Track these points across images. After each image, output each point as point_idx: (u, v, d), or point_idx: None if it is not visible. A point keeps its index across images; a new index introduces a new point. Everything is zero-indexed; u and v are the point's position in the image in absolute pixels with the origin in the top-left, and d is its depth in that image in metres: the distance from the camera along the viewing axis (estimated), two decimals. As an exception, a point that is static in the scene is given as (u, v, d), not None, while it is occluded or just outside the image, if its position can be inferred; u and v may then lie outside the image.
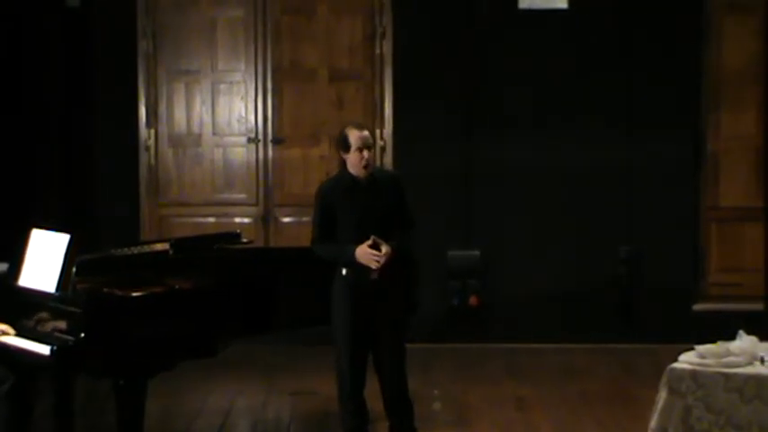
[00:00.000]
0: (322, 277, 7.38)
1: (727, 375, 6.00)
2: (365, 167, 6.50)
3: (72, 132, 9.86)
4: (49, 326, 6.32)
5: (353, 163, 6.52)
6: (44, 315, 6.35)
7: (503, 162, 9.94)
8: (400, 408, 6.66)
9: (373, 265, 6.41)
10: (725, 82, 10.06)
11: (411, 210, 6.65)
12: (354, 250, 6.43)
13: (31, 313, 6.41)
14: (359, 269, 6.46)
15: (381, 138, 10.08)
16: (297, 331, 7.78)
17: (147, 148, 10.17)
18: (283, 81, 10.15)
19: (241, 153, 10.18)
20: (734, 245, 10.11)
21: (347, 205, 6.50)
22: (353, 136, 6.49)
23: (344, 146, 6.52)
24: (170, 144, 10.20)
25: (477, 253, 9.84)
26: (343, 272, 6.52)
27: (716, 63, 10.05)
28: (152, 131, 10.17)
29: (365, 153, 6.48)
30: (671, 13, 9.89)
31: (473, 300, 9.72)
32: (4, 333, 6.35)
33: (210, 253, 7.39)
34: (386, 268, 6.41)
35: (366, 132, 6.53)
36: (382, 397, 6.68)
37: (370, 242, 6.39)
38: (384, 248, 6.38)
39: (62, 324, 6.24)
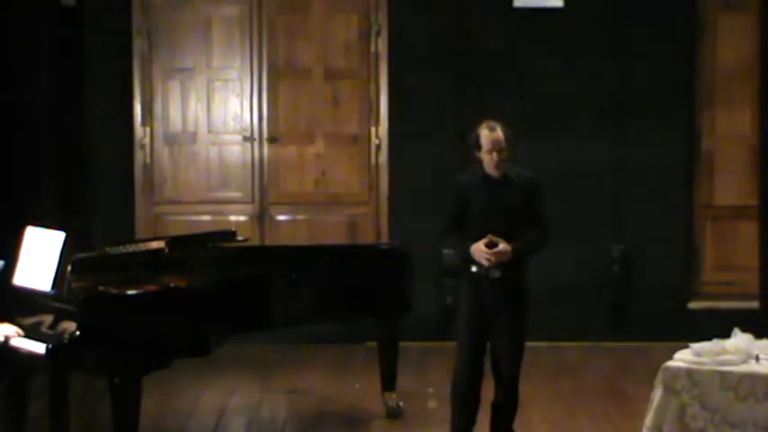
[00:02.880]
0: (317, 276, 7.42)
1: (722, 373, 6.01)
2: (497, 168, 6.53)
3: (67, 131, 9.85)
4: (44, 324, 6.32)
5: (485, 162, 6.56)
6: (39, 313, 6.35)
7: (498, 160, 9.93)
8: (503, 408, 6.70)
9: (484, 263, 6.46)
10: (719, 80, 10.07)
11: (542, 213, 6.67)
12: (470, 246, 6.47)
13: (26, 312, 6.41)
14: (483, 267, 6.48)
15: (377, 136, 10.09)
16: (292, 330, 7.80)
17: (143, 147, 10.16)
18: (278, 79, 10.15)
19: (236, 151, 10.18)
20: (729, 243, 10.12)
21: (476, 201, 6.55)
22: (485, 137, 6.52)
23: (477, 145, 6.56)
24: (165, 142, 10.19)
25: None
26: (473, 269, 6.54)
27: (710, 61, 10.05)
28: (147, 129, 10.16)
29: (494, 155, 6.50)
30: (665, 12, 9.90)
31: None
32: (8, 336, 6.33)
33: (206, 251, 7.40)
34: (507, 269, 6.46)
35: (497, 134, 6.52)
36: (494, 394, 6.71)
37: (486, 240, 6.44)
38: (501, 245, 6.41)
39: (57, 323, 6.24)
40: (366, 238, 10.04)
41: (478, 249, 6.46)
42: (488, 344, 6.69)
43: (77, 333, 6.07)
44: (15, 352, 6.29)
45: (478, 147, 6.56)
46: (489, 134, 6.52)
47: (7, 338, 6.28)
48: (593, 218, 9.99)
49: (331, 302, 7.45)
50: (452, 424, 6.76)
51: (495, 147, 6.51)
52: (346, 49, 10.11)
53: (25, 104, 9.56)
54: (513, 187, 6.58)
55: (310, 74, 10.13)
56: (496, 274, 6.50)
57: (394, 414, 7.79)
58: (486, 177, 6.58)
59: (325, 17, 10.09)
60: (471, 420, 6.73)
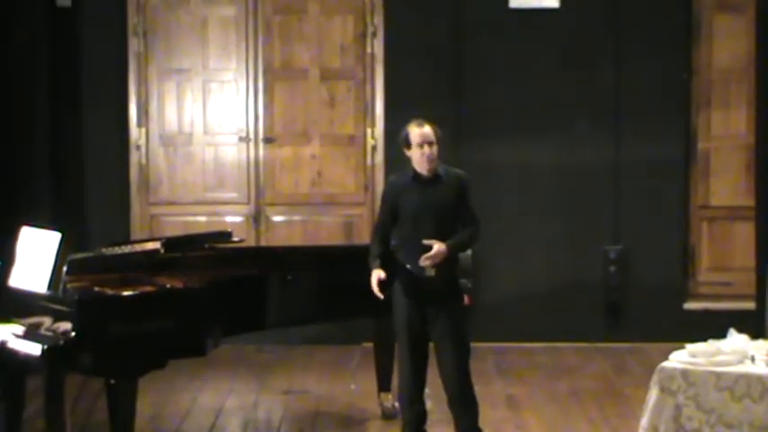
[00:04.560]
0: (313, 276, 7.41)
1: (717, 374, 6.01)
2: (428, 163, 6.55)
3: (62, 131, 9.85)
4: (40, 325, 6.31)
5: (416, 160, 6.60)
6: (35, 314, 6.34)
7: (493, 161, 9.94)
8: (462, 407, 6.66)
9: (375, 292, 6.57)
10: (715, 81, 10.08)
11: (473, 210, 6.67)
12: (373, 269, 6.59)
13: (21, 313, 6.40)
14: (415, 267, 6.53)
15: (372, 137, 10.09)
16: (288, 330, 7.79)
17: (138, 147, 10.15)
18: (274, 80, 10.14)
19: (232, 152, 10.17)
20: (724, 243, 10.13)
21: (406, 201, 6.59)
22: (413, 133, 6.58)
23: (406, 143, 6.62)
24: (161, 143, 10.19)
25: (468, 252, 9.82)
26: (407, 267, 6.58)
27: (706, 62, 10.06)
28: (143, 130, 10.16)
29: (425, 149, 6.54)
30: (661, 12, 9.91)
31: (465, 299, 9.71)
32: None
33: (201, 252, 7.39)
34: (441, 267, 6.49)
35: (426, 128, 6.58)
36: (445, 396, 6.71)
37: (382, 277, 6.54)
38: (435, 246, 6.42)
39: (53, 323, 6.23)
40: (362, 238, 10.03)
41: (372, 284, 6.58)
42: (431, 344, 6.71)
43: (73, 334, 6.06)
44: (11, 353, 6.28)
45: (408, 145, 6.61)
46: (418, 129, 6.58)
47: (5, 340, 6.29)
48: (589, 218, 9.99)
49: (327, 303, 7.45)
50: (402, 423, 6.79)
51: (425, 140, 6.55)
52: (342, 50, 10.11)
53: (21, 105, 9.56)
54: (443, 185, 6.61)
55: (306, 75, 10.13)
56: (431, 272, 6.52)
57: (390, 414, 7.79)
58: (417, 177, 6.62)
59: (321, 18, 10.09)
60: (421, 420, 6.75)
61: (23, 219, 6.81)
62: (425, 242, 6.46)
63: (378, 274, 6.57)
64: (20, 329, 6.32)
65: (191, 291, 6.56)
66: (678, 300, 10.02)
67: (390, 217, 6.67)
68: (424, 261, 6.45)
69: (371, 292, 6.61)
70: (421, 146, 6.55)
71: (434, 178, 6.60)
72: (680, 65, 9.97)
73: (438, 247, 6.44)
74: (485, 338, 9.71)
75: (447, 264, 6.56)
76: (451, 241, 6.52)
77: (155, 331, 6.29)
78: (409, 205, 6.58)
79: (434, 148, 6.57)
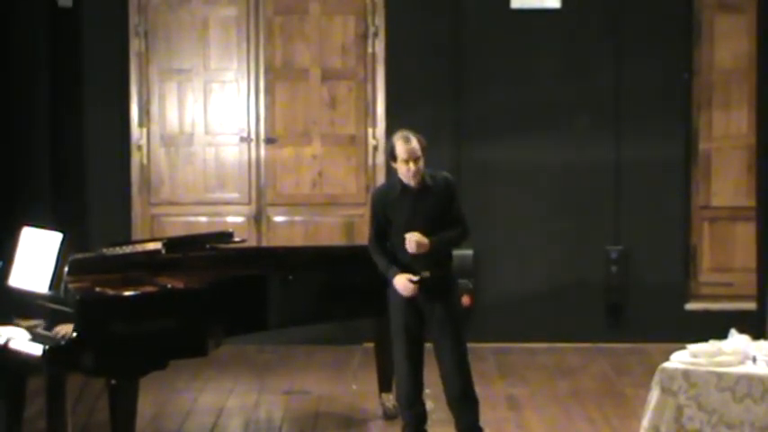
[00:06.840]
0: (314, 277, 7.42)
1: (719, 374, 6.01)
2: (414, 178, 6.58)
3: (62, 131, 9.85)
4: (41, 326, 6.31)
5: (402, 173, 6.62)
6: (36, 315, 6.35)
7: (493, 161, 9.95)
8: (462, 406, 6.71)
9: (408, 292, 6.55)
10: (716, 81, 10.08)
11: (460, 211, 6.72)
12: (395, 275, 6.58)
13: (22, 313, 6.40)
14: (409, 270, 6.56)
15: (374, 137, 10.09)
16: (289, 330, 7.80)
17: (140, 148, 10.16)
18: (276, 80, 10.14)
19: (233, 152, 10.17)
20: (726, 244, 10.12)
21: (396, 210, 6.63)
22: (400, 148, 6.58)
23: (392, 156, 6.63)
24: (162, 143, 10.19)
25: (469, 253, 9.84)
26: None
27: (707, 62, 10.06)
28: (144, 131, 10.16)
29: (411, 165, 6.56)
30: (662, 13, 9.91)
31: (465, 300, 9.73)
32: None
33: (203, 252, 7.40)
34: (434, 268, 6.56)
35: (413, 144, 6.58)
36: (444, 395, 6.74)
37: (413, 278, 6.54)
38: (417, 234, 6.47)
39: (54, 324, 6.24)
40: (363, 239, 9.99)
41: (403, 283, 6.55)
42: (427, 346, 6.74)
43: (74, 334, 6.07)
44: (13, 353, 6.28)
45: (393, 157, 6.62)
46: (404, 145, 6.57)
47: (8, 340, 6.30)
48: (590, 219, 9.99)
49: (328, 303, 7.46)
50: (402, 424, 6.83)
51: (411, 156, 6.55)
52: (343, 51, 10.11)
53: (22, 105, 9.56)
54: (432, 194, 6.65)
55: (307, 75, 10.13)
56: (426, 274, 6.57)
57: (391, 415, 7.79)
58: (405, 188, 6.64)
59: (323, 18, 10.09)
60: (421, 420, 6.79)
61: (23, 219, 6.82)
62: (407, 234, 6.49)
63: (406, 278, 6.56)
64: (19, 331, 6.33)
65: (192, 291, 6.57)
66: (679, 300, 10.02)
67: (385, 225, 6.69)
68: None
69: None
70: (407, 162, 6.57)
71: (423, 189, 6.63)
72: (681, 65, 9.97)
73: (420, 236, 6.48)
74: (485, 339, 9.72)
75: (440, 264, 6.62)
76: (435, 237, 6.55)
77: (156, 331, 6.30)
78: (400, 218, 6.62)
79: (420, 162, 6.60)
